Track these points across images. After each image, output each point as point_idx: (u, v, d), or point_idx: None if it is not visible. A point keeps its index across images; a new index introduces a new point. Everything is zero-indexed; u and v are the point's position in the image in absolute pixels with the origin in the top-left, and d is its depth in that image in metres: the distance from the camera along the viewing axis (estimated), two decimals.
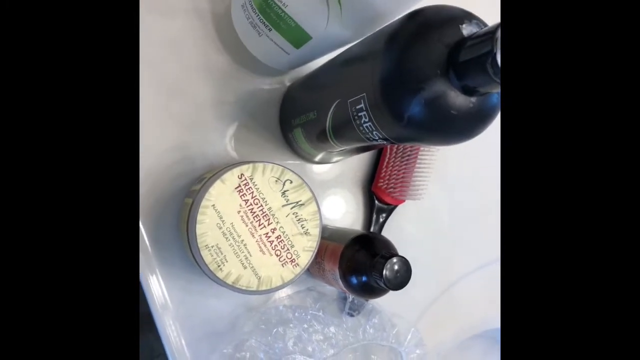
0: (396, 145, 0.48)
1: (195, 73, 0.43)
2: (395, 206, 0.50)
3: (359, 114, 0.31)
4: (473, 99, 0.27)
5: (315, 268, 0.44)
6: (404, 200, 0.50)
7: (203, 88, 0.44)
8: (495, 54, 0.23)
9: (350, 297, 0.45)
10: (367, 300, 0.47)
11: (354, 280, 0.39)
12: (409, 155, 0.48)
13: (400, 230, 0.51)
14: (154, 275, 0.42)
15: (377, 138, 0.32)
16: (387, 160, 0.48)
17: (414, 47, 0.27)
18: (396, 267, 0.36)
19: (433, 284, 0.53)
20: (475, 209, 0.56)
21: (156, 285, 0.42)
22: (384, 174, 0.48)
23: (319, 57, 0.41)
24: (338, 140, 0.37)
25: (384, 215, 0.49)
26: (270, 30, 0.38)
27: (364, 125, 0.31)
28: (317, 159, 0.45)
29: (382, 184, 0.48)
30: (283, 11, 0.35)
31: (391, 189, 0.48)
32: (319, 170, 0.49)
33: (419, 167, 0.49)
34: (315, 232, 0.39)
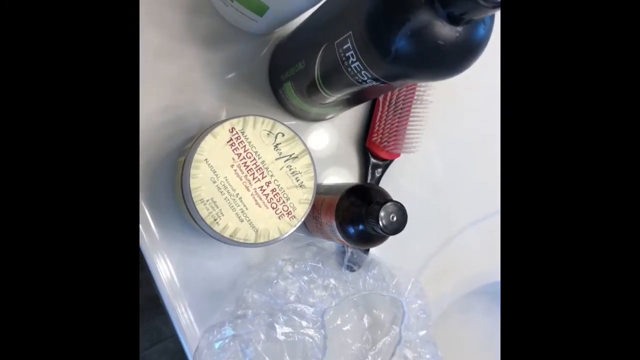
0: (388, 99, 0.48)
1: (184, 33, 0.43)
2: (391, 161, 0.50)
3: (347, 55, 0.31)
4: (459, 29, 0.27)
5: (312, 223, 0.44)
6: (398, 155, 0.50)
7: (191, 49, 0.43)
8: None
9: (349, 250, 0.45)
10: (366, 253, 0.47)
11: (351, 229, 0.39)
12: (402, 109, 0.48)
13: (397, 186, 0.51)
14: (153, 239, 0.42)
15: (366, 79, 0.31)
16: (379, 114, 0.48)
17: None
18: (391, 211, 0.36)
19: (432, 238, 0.54)
20: (471, 163, 0.56)
21: (155, 249, 0.42)
22: (377, 128, 0.48)
23: (293, 19, 0.42)
24: (328, 88, 0.36)
25: (379, 170, 0.49)
26: (232, 1, 0.39)
27: (352, 65, 0.31)
28: (311, 115, 0.45)
29: (375, 138, 0.48)
30: None
31: (385, 144, 0.48)
32: (312, 129, 0.48)
33: (413, 121, 0.49)
34: (310, 184, 0.39)
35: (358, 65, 0.31)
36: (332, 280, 0.42)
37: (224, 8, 0.42)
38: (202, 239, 0.42)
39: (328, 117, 0.48)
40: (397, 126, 0.48)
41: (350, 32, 0.30)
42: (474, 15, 0.26)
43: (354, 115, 0.50)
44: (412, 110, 0.49)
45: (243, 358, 0.37)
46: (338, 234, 0.40)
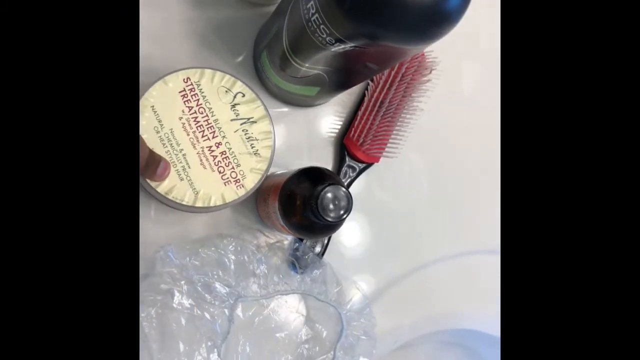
0: (375, 98, 0.45)
1: None
2: (368, 165, 0.46)
3: (308, 6, 0.28)
4: None
5: (263, 208, 0.40)
6: (377, 159, 0.46)
7: (178, 2, 0.42)
8: None
9: (296, 244, 0.41)
10: (319, 255, 0.43)
11: (293, 214, 0.35)
12: (389, 111, 0.45)
13: (372, 196, 0.48)
14: None
15: (326, 37, 0.29)
16: (363, 109, 0.45)
17: None
18: (336, 196, 0.32)
19: (399, 261, 0.49)
20: (461, 189, 0.51)
21: None
22: (358, 125, 0.45)
23: None
24: (295, 55, 0.34)
25: (352, 173, 0.46)
26: None
27: (312, 19, 0.28)
28: (291, 96, 0.42)
29: (354, 135, 0.45)
30: None
31: (364, 144, 0.45)
32: (294, 116, 0.46)
33: (400, 126, 0.46)
34: (267, 153, 0.36)
35: (317, 18, 0.28)
36: (264, 269, 0.38)
37: None
38: (142, 196, 0.39)
39: (315, 103, 0.45)
40: (380, 128, 0.45)
41: None
42: None
43: (342, 110, 0.47)
44: (400, 115, 0.45)
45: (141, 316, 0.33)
46: (280, 219, 0.36)
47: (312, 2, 0.28)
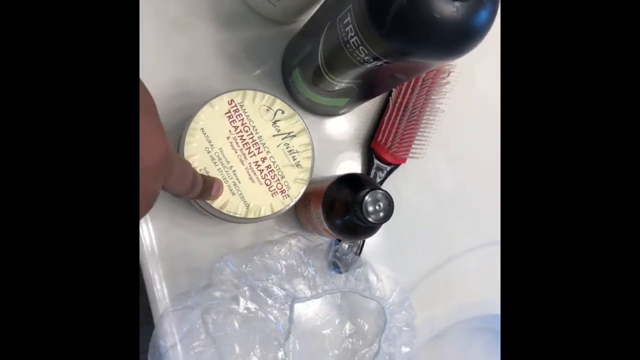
0: (399, 102, 0.48)
1: (203, 9, 0.44)
2: (395, 166, 0.49)
3: (346, 29, 0.31)
4: (457, 4, 0.27)
5: (303, 213, 0.43)
6: (404, 160, 0.49)
7: (208, 25, 0.44)
8: None
9: (336, 245, 0.44)
10: (357, 254, 0.46)
11: (337, 218, 0.38)
12: (413, 114, 0.47)
13: (400, 196, 0.50)
14: None
15: (364, 56, 0.31)
16: (388, 115, 0.47)
17: None
18: (377, 199, 0.35)
19: (429, 255, 0.52)
20: (483, 183, 0.54)
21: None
22: (384, 129, 0.47)
23: (309, 7, 0.42)
24: (331, 71, 0.37)
25: (382, 174, 0.49)
26: None
27: (351, 41, 0.31)
28: (321, 107, 0.45)
29: (382, 139, 0.47)
30: None
31: (391, 146, 0.47)
32: (322, 124, 0.48)
33: (423, 128, 0.49)
34: (307, 164, 0.39)
35: (356, 41, 0.31)
36: (312, 271, 0.41)
37: None
38: (190, 212, 0.42)
39: (340, 112, 0.48)
40: (405, 131, 0.47)
41: (350, 5, 0.30)
42: None
43: (365, 116, 0.50)
44: (423, 117, 0.48)
45: (202, 326, 0.36)
46: (324, 223, 0.39)
47: (350, 26, 0.31)
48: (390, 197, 0.35)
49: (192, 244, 0.42)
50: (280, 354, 0.37)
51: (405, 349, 0.46)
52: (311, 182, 0.43)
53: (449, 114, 0.50)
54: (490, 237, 0.55)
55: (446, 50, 0.29)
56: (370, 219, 0.35)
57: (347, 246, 0.45)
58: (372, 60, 0.32)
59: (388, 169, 0.49)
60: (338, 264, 0.44)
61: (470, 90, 0.53)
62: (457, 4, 0.27)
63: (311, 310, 0.45)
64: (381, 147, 0.48)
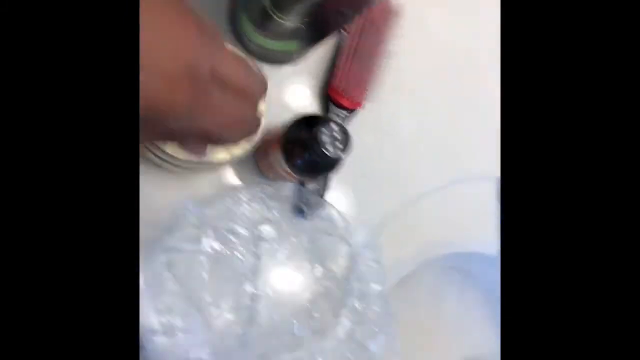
0: (354, 47, 0.47)
1: None
2: (353, 111, 0.49)
3: None
4: None
5: (264, 161, 0.43)
6: (360, 104, 0.49)
7: None
8: None
9: (299, 187, 0.44)
10: (321, 198, 0.46)
11: (297, 158, 0.38)
12: (365, 57, 0.47)
13: (360, 141, 0.51)
14: None
15: None
16: (343, 59, 0.47)
17: None
18: (333, 131, 0.35)
19: (393, 198, 0.52)
20: (444, 123, 0.55)
21: None
22: (339, 74, 0.47)
23: None
24: (277, 9, 0.36)
25: (340, 120, 0.49)
26: None
27: None
28: (273, 53, 0.45)
29: (338, 85, 0.47)
30: None
31: (347, 91, 0.47)
32: (275, 75, 0.48)
33: (379, 71, 0.49)
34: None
35: None
36: (277, 214, 0.41)
37: None
38: (147, 166, 0.42)
39: (294, 58, 0.47)
40: (360, 74, 0.47)
41: None
42: None
43: (321, 64, 0.49)
44: (377, 60, 0.48)
45: (168, 275, 0.36)
46: (285, 165, 0.39)
47: None
48: (346, 128, 0.35)
49: (149, 199, 0.42)
50: (248, 288, 0.37)
51: (376, 287, 0.47)
52: (269, 131, 0.43)
53: (405, 58, 0.50)
54: (454, 176, 0.56)
55: None
56: (328, 152, 0.35)
57: (311, 188, 0.45)
58: None
59: (345, 113, 0.49)
60: (303, 208, 0.44)
61: (422, 33, 0.53)
62: None
63: (280, 257, 0.45)
64: (337, 93, 0.48)
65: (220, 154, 0.37)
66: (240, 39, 0.45)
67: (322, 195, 0.46)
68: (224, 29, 0.45)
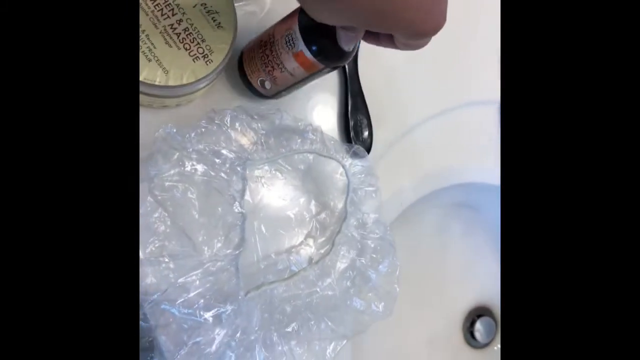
0: None
1: None
2: None
3: None
4: None
5: (259, 60, 0.38)
6: None
7: None
8: None
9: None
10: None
11: (316, 33, 0.33)
12: None
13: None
14: None
15: None
16: None
17: None
18: None
19: (390, 126, 0.49)
20: (439, 45, 0.51)
21: None
22: None
23: None
24: None
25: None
26: None
27: None
28: None
29: None
30: None
31: None
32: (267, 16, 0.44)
33: None
34: (230, 25, 0.36)
35: None
36: (264, 134, 0.38)
37: None
38: None
39: None
40: None
41: None
42: None
43: None
44: None
45: (152, 196, 0.34)
46: (302, 42, 0.33)
47: None
48: None
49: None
50: (236, 208, 0.35)
51: (373, 215, 0.44)
52: (260, 36, 0.38)
53: None
54: (454, 102, 0.53)
55: None
56: None
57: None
58: None
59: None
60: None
61: None
62: None
63: (273, 192, 0.43)
64: None
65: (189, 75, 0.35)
66: None
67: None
68: None
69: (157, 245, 0.32)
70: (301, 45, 0.34)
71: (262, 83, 0.39)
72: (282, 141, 0.39)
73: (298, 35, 0.34)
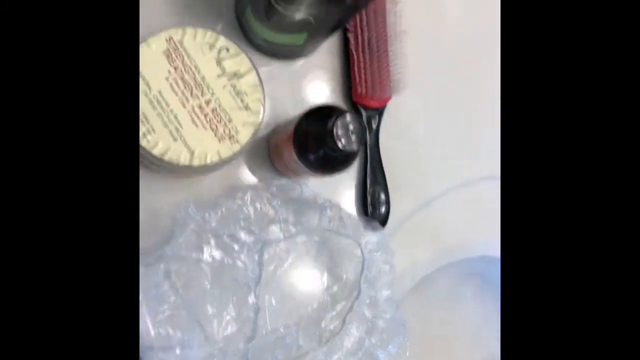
0: (360, 43, 0.44)
1: None
2: (384, 106, 0.46)
3: None
4: None
5: (279, 161, 0.41)
6: (389, 98, 0.46)
7: None
8: None
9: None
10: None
11: (310, 154, 0.36)
12: (377, 49, 0.44)
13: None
14: None
15: None
16: (357, 64, 0.44)
17: None
18: (347, 123, 0.32)
19: (408, 200, 0.49)
20: (459, 119, 0.51)
21: None
22: (359, 79, 0.44)
23: None
24: (282, 0, 0.33)
25: (375, 120, 0.46)
26: None
27: None
28: (278, 45, 0.42)
29: (360, 91, 0.45)
30: None
31: (372, 92, 0.45)
32: (296, 96, 0.45)
33: (394, 59, 0.45)
34: (257, 107, 0.36)
35: None
36: (283, 213, 0.38)
37: None
38: (143, 171, 0.40)
39: (302, 53, 0.44)
40: (377, 70, 0.45)
41: None
42: None
43: (333, 72, 0.46)
44: (388, 48, 0.45)
45: (168, 284, 0.34)
46: (300, 163, 0.36)
47: None
48: (360, 119, 0.33)
49: (153, 204, 0.40)
50: (251, 299, 0.35)
51: (385, 292, 0.44)
52: (280, 128, 0.40)
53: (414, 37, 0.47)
54: (467, 177, 0.52)
55: None
56: (344, 147, 0.32)
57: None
58: None
59: (379, 112, 0.46)
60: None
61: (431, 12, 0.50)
62: None
63: (286, 264, 0.43)
64: (363, 98, 0.45)
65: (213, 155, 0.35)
66: (245, 33, 0.43)
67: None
68: (232, 25, 0.43)
69: (166, 331, 0.32)
70: (303, 169, 0.36)
71: (284, 170, 0.40)
72: (301, 217, 0.39)
73: (298, 162, 0.36)
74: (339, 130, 0.32)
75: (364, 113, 0.46)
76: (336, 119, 0.32)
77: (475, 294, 0.62)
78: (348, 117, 0.33)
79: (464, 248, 0.52)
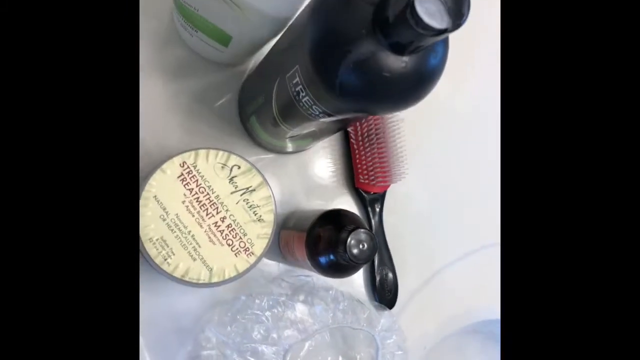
0: (360, 133, 0.46)
1: (150, 64, 0.42)
2: (386, 191, 0.48)
3: (297, 89, 0.29)
4: (405, 58, 0.25)
5: (290, 256, 0.42)
6: (390, 182, 0.48)
7: (158, 79, 0.42)
8: (413, 3, 0.21)
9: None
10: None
11: (322, 260, 0.37)
12: (376, 139, 0.46)
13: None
14: None
15: (318, 113, 0.29)
16: (357, 153, 0.46)
17: (337, 9, 0.25)
18: (361, 239, 0.34)
19: (414, 274, 0.50)
20: (458, 193, 0.53)
21: None
22: (360, 168, 0.46)
23: (259, 50, 0.40)
24: (288, 123, 0.34)
25: (378, 204, 0.47)
26: (196, 31, 0.38)
27: (303, 100, 0.29)
28: (283, 148, 0.43)
29: (363, 179, 0.46)
30: (197, 14, 0.36)
31: (374, 179, 0.46)
32: (302, 183, 0.47)
33: (393, 147, 0.47)
34: (270, 218, 0.37)
35: (308, 100, 0.29)
36: (298, 314, 0.39)
37: (190, 39, 0.41)
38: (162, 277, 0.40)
39: (305, 148, 0.45)
40: (378, 158, 0.46)
41: (297, 66, 0.28)
42: (418, 43, 0.24)
43: (335, 157, 0.48)
44: (387, 136, 0.46)
45: None
46: (310, 266, 0.38)
47: (300, 86, 0.28)
48: (374, 235, 0.34)
49: (174, 305, 0.41)
50: None
51: None
52: (291, 223, 0.41)
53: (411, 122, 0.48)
54: (469, 247, 0.54)
55: (400, 103, 0.27)
56: (355, 259, 0.34)
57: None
58: (327, 116, 0.29)
59: (381, 197, 0.47)
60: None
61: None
62: (405, 58, 0.25)
63: (302, 352, 0.43)
64: (366, 185, 0.47)
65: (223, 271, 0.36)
66: (250, 134, 0.44)
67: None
68: (235, 123, 0.44)
69: None
70: (314, 269, 0.38)
71: (294, 263, 0.42)
72: (315, 313, 0.40)
73: (309, 263, 0.37)
74: (352, 245, 0.34)
75: (366, 197, 0.47)
76: (351, 232, 0.34)
77: (481, 346, 0.63)
78: (362, 233, 0.34)
79: (470, 315, 0.54)
